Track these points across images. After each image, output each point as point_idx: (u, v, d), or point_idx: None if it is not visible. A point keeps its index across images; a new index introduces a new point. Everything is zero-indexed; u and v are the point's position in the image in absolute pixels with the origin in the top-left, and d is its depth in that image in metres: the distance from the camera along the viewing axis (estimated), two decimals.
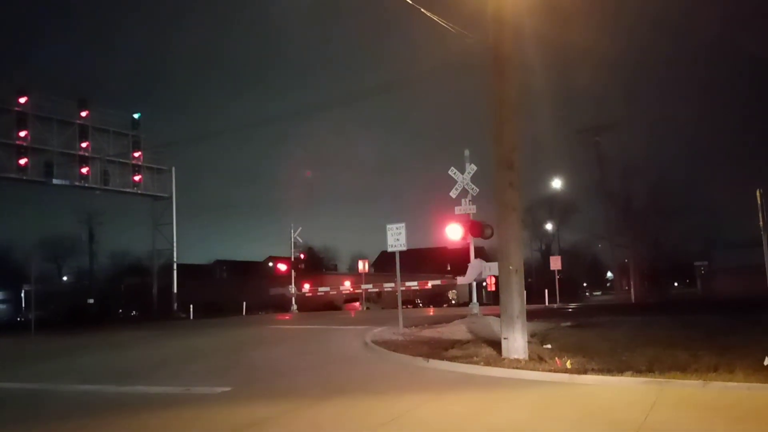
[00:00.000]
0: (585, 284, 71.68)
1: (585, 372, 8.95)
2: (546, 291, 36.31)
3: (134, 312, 46.95)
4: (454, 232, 18.17)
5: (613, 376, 8.60)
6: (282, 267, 39.94)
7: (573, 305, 35.12)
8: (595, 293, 74.83)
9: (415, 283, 36.98)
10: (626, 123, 58.13)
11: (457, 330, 15.78)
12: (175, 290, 41.64)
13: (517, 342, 10.38)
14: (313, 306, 41.78)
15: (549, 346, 11.74)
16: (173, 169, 41.74)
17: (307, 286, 41.89)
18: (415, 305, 48.58)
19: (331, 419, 7.20)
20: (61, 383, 10.79)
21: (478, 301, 20.74)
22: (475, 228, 18.06)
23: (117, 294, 52.52)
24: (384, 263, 58.08)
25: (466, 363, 10.33)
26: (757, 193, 8.63)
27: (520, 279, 10.63)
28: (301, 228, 41.83)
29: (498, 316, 11.65)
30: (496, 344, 11.13)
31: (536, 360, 10.07)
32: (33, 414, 8.31)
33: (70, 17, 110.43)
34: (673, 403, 7.26)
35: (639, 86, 69.36)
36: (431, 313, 29.53)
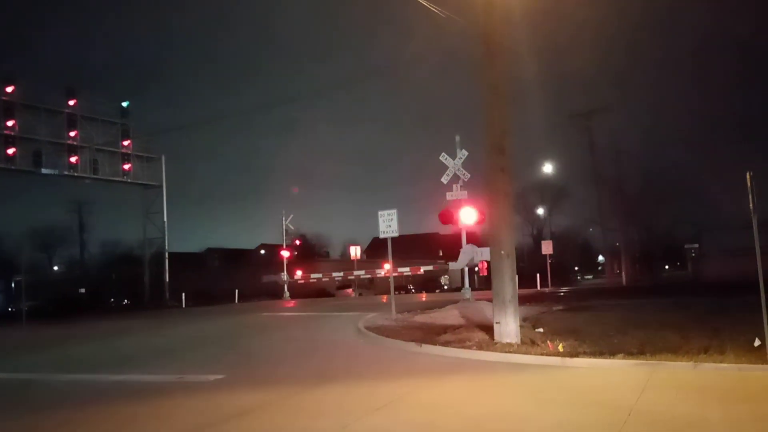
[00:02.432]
0: (576, 268, 71.89)
1: (577, 355, 9.02)
2: (538, 275, 36.45)
3: (126, 301, 46.79)
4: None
5: (604, 358, 8.68)
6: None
7: (565, 289, 35.38)
8: (586, 277, 75.16)
9: (408, 268, 37.06)
10: (618, 107, 58.16)
11: (449, 315, 15.83)
12: (167, 279, 41.49)
13: (509, 326, 10.43)
14: (305, 293, 41.77)
15: (541, 330, 11.80)
16: (163, 157, 41.40)
17: (299, 273, 41.88)
18: (408, 291, 48.70)
19: (324, 405, 7.21)
20: (54, 373, 10.75)
21: (470, 286, 20.77)
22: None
23: (108, 283, 52.26)
24: (376, 249, 58.08)
25: (459, 348, 10.38)
26: (747, 176, 8.62)
27: (511, 263, 10.65)
28: (292, 215, 41.79)
29: (490, 300, 11.69)
30: (488, 329, 11.19)
31: (528, 344, 10.13)
32: (24, 404, 8.26)
33: (56, 4, 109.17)
34: (664, 385, 7.32)
35: (631, 70, 69.30)
36: (423, 299, 29.65)
